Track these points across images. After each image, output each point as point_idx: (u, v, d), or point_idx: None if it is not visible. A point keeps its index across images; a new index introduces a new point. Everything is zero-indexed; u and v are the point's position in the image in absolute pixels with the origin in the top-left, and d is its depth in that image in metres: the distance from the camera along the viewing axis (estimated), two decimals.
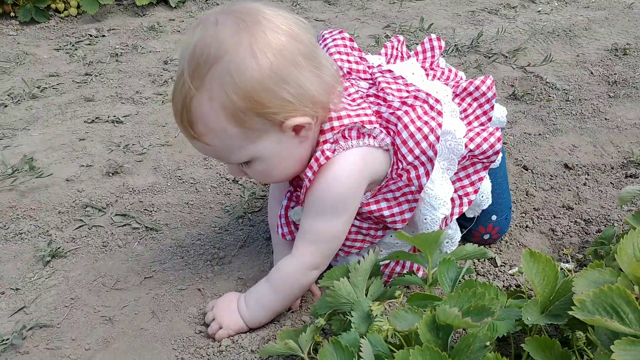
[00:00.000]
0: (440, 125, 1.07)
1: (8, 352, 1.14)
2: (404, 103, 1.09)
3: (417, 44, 2.71)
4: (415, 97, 1.11)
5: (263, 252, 1.41)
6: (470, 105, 1.22)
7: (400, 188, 1.11)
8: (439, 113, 1.09)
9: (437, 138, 1.06)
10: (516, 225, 1.51)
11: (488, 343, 0.73)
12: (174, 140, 1.91)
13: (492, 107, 1.23)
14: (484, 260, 1.39)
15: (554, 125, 1.99)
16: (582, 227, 1.48)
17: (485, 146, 1.17)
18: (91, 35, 2.79)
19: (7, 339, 1.16)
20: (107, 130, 1.96)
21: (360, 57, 1.25)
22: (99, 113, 2.07)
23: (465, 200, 1.22)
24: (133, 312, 1.24)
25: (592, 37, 2.78)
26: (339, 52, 1.23)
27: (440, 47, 1.31)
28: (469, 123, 1.23)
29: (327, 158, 1.05)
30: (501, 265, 1.37)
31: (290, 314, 1.23)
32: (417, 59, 1.32)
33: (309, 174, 1.06)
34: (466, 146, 1.16)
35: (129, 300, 1.27)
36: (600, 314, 0.72)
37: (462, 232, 1.36)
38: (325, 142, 1.08)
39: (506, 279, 1.31)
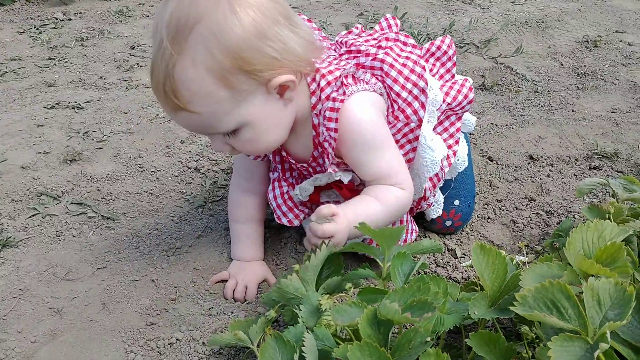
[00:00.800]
0: (420, 57, 1.13)
1: None
2: (379, 47, 1.13)
3: None
4: (387, 39, 1.17)
5: (221, 243, 1.39)
6: (434, 65, 1.27)
7: (400, 130, 1.14)
8: (414, 46, 1.17)
9: (423, 68, 1.10)
10: (478, 217, 1.50)
11: (429, 338, 0.72)
12: (136, 127, 1.87)
13: (454, 64, 1.28)
14: (445, 251, 1.39)
15: (522, 116, 1.99)
16: (543, 219, 1.48)
17: (460, 97, 1.24)
18: (57, 19, 2.72)
19: None
20: (67, 116, 1.91)
21: (322, 36, 1.25)
22: (59, 99, 2.02)
23: (449, 152, 1.26)
24: (83, 303, 1.21)
25: (564, 29, 2.79)
26: None
27: (397, 25, 1.31)
28: (442, 84, 1.27)
29: (342, 101, 1.06)
30: (461, 257, 1.36)
31: (246, 305, 1.21)
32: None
33: (332, 125, 1.06)
34: (444, 100, 1.22)
35: (79, 291, 1.24)
36: (540, 309, 0.71)
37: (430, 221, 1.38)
38: (327, 96, 1.08)
39: (465, 271, 1.31)
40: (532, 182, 1.64)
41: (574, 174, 1.68)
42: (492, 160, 1.74)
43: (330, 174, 1.13)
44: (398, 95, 1.11)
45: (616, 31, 2.77)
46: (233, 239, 1.32)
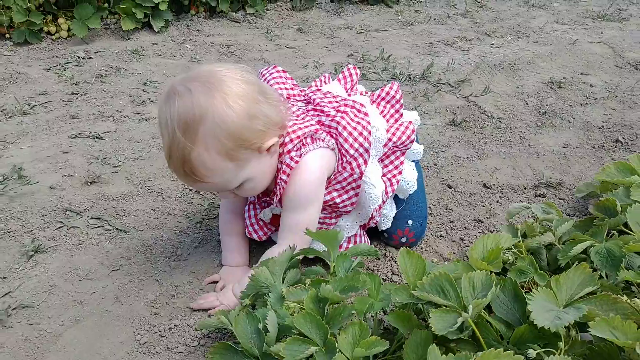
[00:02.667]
0: (369, 123, 1.41)
1: None
2: (338, 110, 1.43)
3: (374, 72, 3.01)
4: (345, 105, 1.45)
5: (214, 252, 1.67)
6: (385, 107, 1.56)
7: (345, 178, 1.42)
8: (366, 114, 1.43)
9: (369, 133, 1.40)
10: (432, 235, 1.78)
11: (354, 312, 1.00)
12: (146, 154, 2.17)
13: (401, 106, 1.57)
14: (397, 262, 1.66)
15: (482, 150, 2.28)
16: None
17: (403, 137, 1.51)
18: (79, 57, 3.06)
19: None
20: (88, 144, 2.22)
21: (294, 84, 1.60)
22: (82, 129, 2.34)
23: (394, 180, 1.54)
24: (100, 297, 1.49)
25: (534, 71, 3.09)
26: (277, 83, 1.58)
27: (357, 74, 1.65)
28: (387, 121, 1.54)
29: (297, 162, 1.37)
30: None
31: None
32: (340, 83, 1.64)
33: (284, 177, 1.37)
34: (390, 139, 1.49)
35: (97, 287, 1.53)
36: (432, 292, 0.99)
37: (387, 238, 1.67)
38: (289, 151, 1.38)
39: None
40: (483, 206, 1.92)
41: (520, 200, 1.96)
42: (450, 187, 2.02)
43: (274, 207, 1.48)
44: (347, 151, 1.39)
45: (581, 73, 3.07)
46: (223, 249, 1.61)
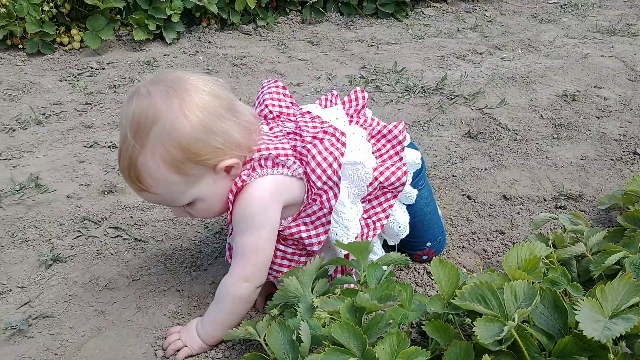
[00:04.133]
0: (342, 154, 1.29)
1: (16, 336, 1.37)
2: (314, 137, 1.31)
3: (388, 84, 3.00)
4: (325, 132, 1.32)
5: None
6: (384, 145, 1.43)
7: (315, 212, 1.30)
8: (343, 144, 1.31)
9: (340, 165, 1.27)
10: (455, 246, 1.76)
11: (391, 321, 0.98)
12: None
13: (403, 148, 1.45)
14: (424, 274, 1.64)
15: (500, 161, 2.26)
16: (510, 249, 1.73)
17: (392, 179, 1.37)
18: (92, 68, 3.06)
19: (16, 326, 1.38)
20: (104, 154, 2.21)
21: (292, 103, 1.49)
22: (97, 139, 2.32)
23: (378, 224, 1.41)
24: (121, 307, 1.47)
25: (547, 84, 3.08)
26: (272, 98, 1.47)
27: (364, 98, 1.54)
28: (383, 161, 1.42)
29: (243, 181, 1.27)
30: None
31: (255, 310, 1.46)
32: (344, 107, 1.53)
33: (230, 197, 1.28)
34: (376, 179, 1.37)
35: (118, 297, 1.50)
36: (472, 301, 0.97)
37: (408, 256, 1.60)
38: (243, 170, 1.29)
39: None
40: (504, 218, 1.90)
41: (541, 212, 1.94)
42: (470, 199, 2.00)
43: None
44: (314, 183, 1.27)
45: (594, 86, 3.06)
46: None
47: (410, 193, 1.50)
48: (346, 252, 1.30)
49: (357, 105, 1.54)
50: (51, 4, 3.14)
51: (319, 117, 1.43)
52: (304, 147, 1.30)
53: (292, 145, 1.33)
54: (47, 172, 2.06)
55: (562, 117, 2.67)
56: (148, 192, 1.24)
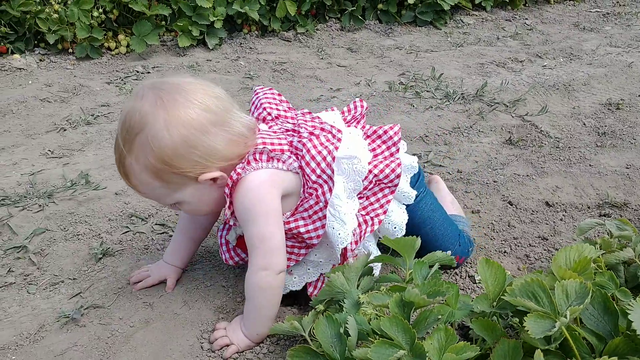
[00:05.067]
0: (337, 148, 1.31)
1: (69, 324, 1.42)
2: (310, 133, 1.35)
3: (427, 91, 3.01)
4: (322, 129, 1.36)
5: None
6: (379, 146, 1.46)
7: (311, 206, 1.32)
8: (339, 140, 1.34)
9: (333, 159, 1.29)
10: (496, 250, 1.76)
11: (440, 317, 0.99)
12: None
13: (398, 150, 1.47)
14: (465, 277, 1.64)
15: (542, 168, 2.25)
16: (553, 254, 1.72)
17: (387, 171, 1.39)
18: (138, 72, 3.15)
19: (69, 315, 1.43)
20: None
21: (289, 108, 1.52)
22: None
23: (375, 220, 1.41)
24: (168, 300, 1.51)
25: (590, 92, 3.05)
26: (269, 103, 1.49)
27: (362, 107, 1.55)
28: (375, 157, 1.44)
29: (238, 174, 1.27)
30: (478, 282, 1.61)
31: (298, 307, 1.48)
32: (343, 115, 1.53)
33: (227, 191, 1.29)
34: (370, 172, 1.38)
35: (165, 291, 1.54)
36: (523, 297, 0.97)
37: None
38: (238, 164, 1.30)
39: (481, 293, 1.56)
40: (546, 224, 1.89)
41: (585, 219, 1.91)
42: (511, 205, 1.99)
43: (235, 227, 1.40)
44: (308, 176, 1.30)
45: (639, 95, 3.01)
46: (169, 245, 1.59)
47: (409, 193, 1.50)
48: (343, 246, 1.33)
49: (355, 112, 1.54)
50: (100, 10, 3.24)
51: (318, 117, 1.46)
52: (299, 142, 1.33)
53: (289, 141, 1.35)
54: (97, 169, 2.13)
55: (605, 126, 2.63)
56: (137, 189, 1.31)
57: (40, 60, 3.17)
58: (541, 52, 3.70)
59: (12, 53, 3.15)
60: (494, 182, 2.14)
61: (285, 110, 1.50)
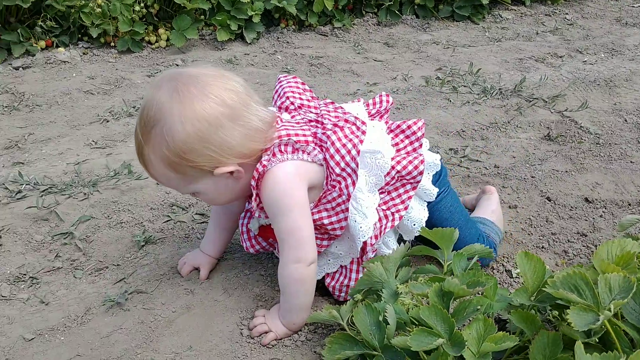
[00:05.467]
0: (361, 141, 1.30)
1: (114, 308, 1.47)
2: (335, 125, 1.34)
3: (464, 85, 2.99)
4: (346, 120, 1.35)
5: None
6: (402, 141, 1.45)
7: (335, 198, 1.32)
8: (363, 132, 1.33)
9: (358, 152, 1.28)
10: (534, 246, 1.75)
11: (479, 307, 0.99)
12: None
13: (421, 145, 1.45)
14: (502, 272, 1.64)
15: (582, 164, 2.22)
16: (592, 251, 1.71)
17: (410, 167, 1.39)
18: (177, 65, 3.21)
19: (114, 299, 1.48)
20: None
21: (312, 97, 1.51)
22: None
23: (396, 215, 1.41)
24: (209, 287, 1.55)
25: (632, 88, 2.98)
26: (292, 92, 1.49)
27: (388, 102, 1.54)
28: (398, 152, 1.44)
29: (264, 167, 1.28)
30: (515, 277, 1.61)
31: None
32: (367, 108, 1.53)
33: (253, 183, 1.30)
34: (393, 168, 1.38)
35: (198, 280, 1.58)
36: (565, 289, 0.97)
37: None
38: (264, 156, 1.31)
39: (518, 287, 1.55)
40: (586, 220, 1.87)
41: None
42: (550, 200, 1.97)
43: (258, 217, 1.40)
44: (332, 169, 1.29)
45: None
46: (205, 235, 1.62)
47: (430, 190, 1.49)
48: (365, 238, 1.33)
49: (380, 107, 1.54)
50: (142, 5, 3.31)
51: (341, 107, 1.45)
52: (323, 134, 1.32)
53: (313, 132, 1.35)
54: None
55: None
56: (153, 177, 1.33)
57: (84, 53, 3.26)
58: (582, 47, 3.64)
59: (57, 46, 3.24)
60: (532, 177, 2.12)
61: (308, 100, 1.49)
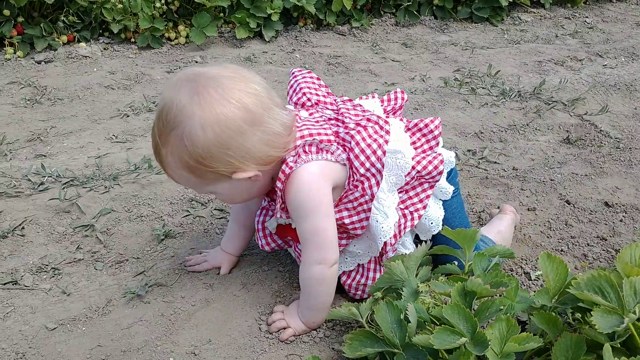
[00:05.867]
0: (387, 142, 1.28)
1: (135, 300, 1.49)
2: (357, 124, 1.32)
3: (483, 87, 2.98)
4: (368, 120, 1.33)
5: None
6: (419, 139, 1.44)
7: (357, 198, 1.31)
8: (387, 132, 1.31)
9: (384, 153, 1.26)
10: (553, 249, 1.74)
11: (502, 307, 0.99)
12: None
13: (437, 144, 1.45)
14: (521, 274, 1.63)
15: (602, 168, 2.20)
16: (612, 255, 1.70)
17: (430, 167, 1.38)
18: (196, 62, 3.23)
19: (135, 291, 1.50)
20: None
21: (328, 92, 1.49)
22: None
23: (415, 214, 1.41)
24: (228, 282, 1.56)
25: None
26: (308, 87, 1.47)
27: (403, 99, 1.53)
28: (418, 153, 1.43)
29: (291, 168, 1.26)
30: (534, 279, 1.61)
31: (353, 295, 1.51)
32: (382, 104, 1.52)
33: (279, 185, 1.28)
34: (413, 168, 1.37)
35: (224, 274, 1.59)
36: (589, 291, 0.97)
37: None
38: (289, 157, 1.29)
39: (537, 290, 1.55)
40: (605, 224, 1.86)
41: None
42: (569, 204, 1.96)
43: (278, 217, 1.38)
44: (357, 169, 1.27)
45: None
46: (225, 233, 1.63)
47: (447, 188, 1.49)
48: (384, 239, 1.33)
49: (395, 104, 1.53)
50: (162, 1, 3.34)
51: (360, 105, 1.43)
52: (347, 133, 1.30)
53: (334, 132, 1.33)
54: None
55: None
56: (170, 177, 1.31)
57: (105, 48, 3.29)
58: (602, 51, 3.61)
59: (79, 41, 3.27)
60: (551, 180, 2.11)
61: (324, 96, 1.47)
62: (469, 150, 2.33)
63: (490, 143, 2.41)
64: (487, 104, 2.78)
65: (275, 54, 3.41)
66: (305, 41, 3.63)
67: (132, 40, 3.37)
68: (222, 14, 3.54)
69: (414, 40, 3.77)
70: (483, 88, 2.98)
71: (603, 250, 1.73)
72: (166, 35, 3.41)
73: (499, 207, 1.88)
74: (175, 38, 3.43)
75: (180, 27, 3.43)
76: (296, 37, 3.65)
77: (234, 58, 3.31)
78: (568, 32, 4.05)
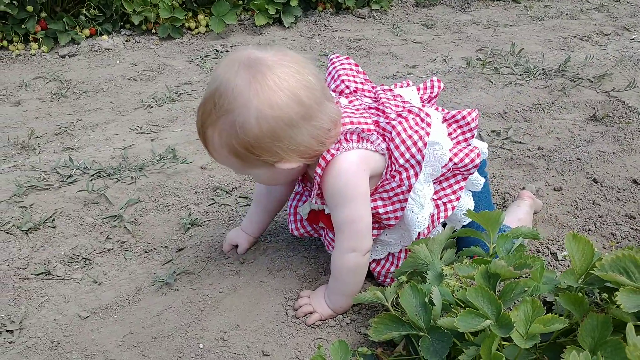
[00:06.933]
0: (428, 134, 1.27)
1: (164, 288, 1.52)
2: (398, 115, 1.30)
3: (506, 66, 2.94)
4: (409, 111, 1.32)
5: None
6: (455, 130, 1.42)
7: (393, 188, 1.31)
8: (428, 124, 1.29)
9: (425, 144, 1.26)
10: (580, 228, 1.72)
11: (526, 288, 0.99)
12: None
13: (473, 136, 1.43)
14: (548, 254, 1.62)
15: (630, 145, 2.16)
16: None
17: (466, 160, 1.37)
18: (217, 50, 3.24)
19: (163, 279, 1.53)
20: None
21: (365, 79, 1.48)
22: None
23: (449, 205, 1.41)
24: (254, 268, 1.58)
25: None
26: (347, 74, 1.46)
27: (439, 87, 1.52)
28: (453, 145, 1.42)
29: (332, 155, 1.27)
30: (561, 260, 1.59)
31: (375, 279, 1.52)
32: (419, 92, 1.51)
33: (319, 170, 1.28)
34: (450, 160, 1.36)
35: (250, 260, 1.62)
36: (614, 272, 0.96)
37: None
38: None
39: (564, 270, 1.54)
40: (634, 203, 1.83)
41: None
42: (596, 182, 1.94)
43: (312, 202, 1.39)
44: (396, 160, 1.27)
45: None
46: (247, 214, 1.65)
47: (478, 180, 1.48)
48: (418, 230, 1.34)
49: (431, 92, 1.52)
50: None
51: (400, 95, 1.43)
52: (388, 123, 1.30)
53: (374, 121, 1.33)
54: (182, 144, 2.23)
55: None
56: (211, 156, 1.31)
57: (126, 40, 3.32)
58: (629, 24, 3.53)
59: (100, 34, 3.31)
60: (577, 159, 2.08)
61: (362, 83, 1.47)
62: (493, 131, 2.31)
63: (515, 123, 2.38)
64: (511, 83, 2.74)
65: (295, 39, 3.41)
66: (325, 26, 3.61)
67: (153, 31, 3.39)
68: (241, 2, 3.54)
69: (435, 21, 3.73)
70: (506, 67, 2.94)
71: (632, 228, 1.70)
72: (186, 25, 3.43)
73: (524, 188, 1.87)
74: (196, 27, 3.45)
75: (200, 16, 3.45)
76: (315, 22, 3.64)
77: (253, 45, 3.31)
78: (594, 6, 3.96)
